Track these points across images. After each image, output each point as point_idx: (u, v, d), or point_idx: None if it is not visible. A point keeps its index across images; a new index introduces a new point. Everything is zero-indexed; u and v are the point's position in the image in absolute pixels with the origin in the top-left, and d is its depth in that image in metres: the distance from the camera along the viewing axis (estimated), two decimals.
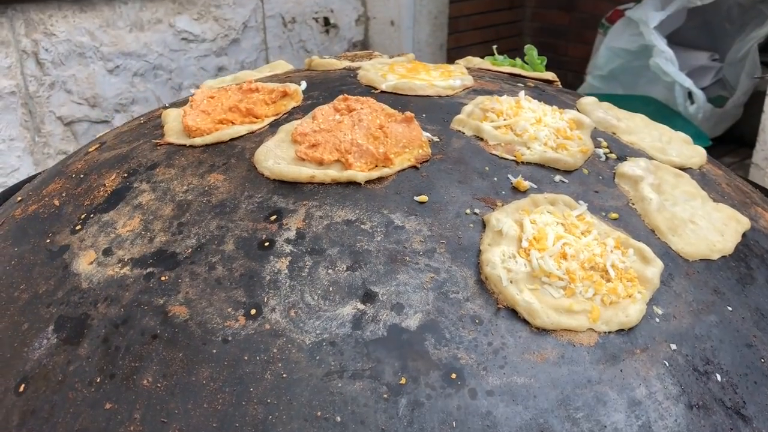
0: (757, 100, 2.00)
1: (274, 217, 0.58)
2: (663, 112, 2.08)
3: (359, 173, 0.60)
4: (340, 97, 0.69)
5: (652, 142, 0.73)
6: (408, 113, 0.65)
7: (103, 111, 1.97)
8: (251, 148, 0.66)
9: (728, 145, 2.30)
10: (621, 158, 0.69)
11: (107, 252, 0.59)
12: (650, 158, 0.70)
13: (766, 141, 1.78)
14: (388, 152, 0.61)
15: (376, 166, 0.61)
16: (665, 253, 0.59)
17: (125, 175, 0.67)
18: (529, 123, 0.67)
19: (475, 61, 0.94)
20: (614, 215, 0.60)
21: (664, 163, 0.70)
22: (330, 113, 0.67)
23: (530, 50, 0.95)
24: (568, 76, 2.83)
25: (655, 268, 0.55)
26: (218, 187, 0.62)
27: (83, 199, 0.66)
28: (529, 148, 0.65)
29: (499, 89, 0.79)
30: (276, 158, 0.62)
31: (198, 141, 0.68)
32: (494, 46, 0.97)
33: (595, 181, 0.64)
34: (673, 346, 0.52)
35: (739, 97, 2.25)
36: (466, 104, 0.71)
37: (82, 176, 0.70)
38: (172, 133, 0.71)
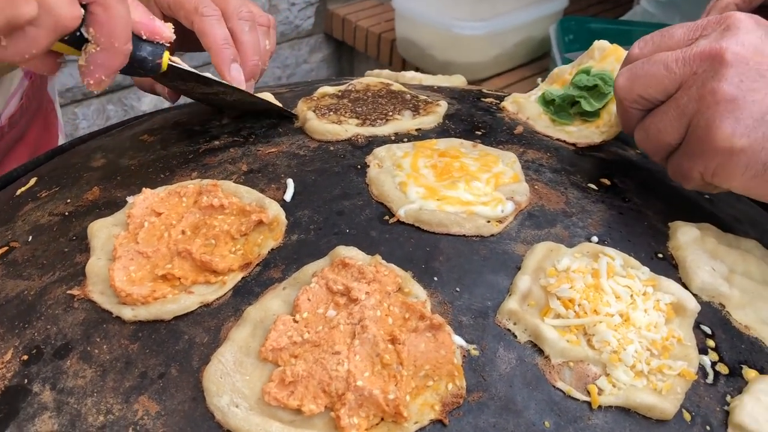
0: None
1: None
2: None
3: None
4: (338, 260, 0.47)
5: None
6: (438, 319, 0.44)
7: None
8: (201, 345, 0.45)
9: None
10: (734, 371, 0.48)
11: None
12: None
13: None
14: (402, 398, 0.41)
15: (382, 419, 0.41)
16: None
17: (25, 357, 0.47)
18: (612, 328, 0.45)
19: (529, 112, 0.69)
20: None
21: None
22: (321, 299, 0.45)
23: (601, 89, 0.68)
24: None
25: None
26: (147, 430, 0.42)
27: None
28: (609, 375, 0.44)
29: (564, 207, 0.56)
30: (234, 393, 0.42)
31: (128, 314, 0.47)
32: (539, 80, 0.71)
33: None
34: None
35: None
36: (521, 268, 0.49)
37: None
38: (97, 281, 0.49)
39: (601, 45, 0.70)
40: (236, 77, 0.65)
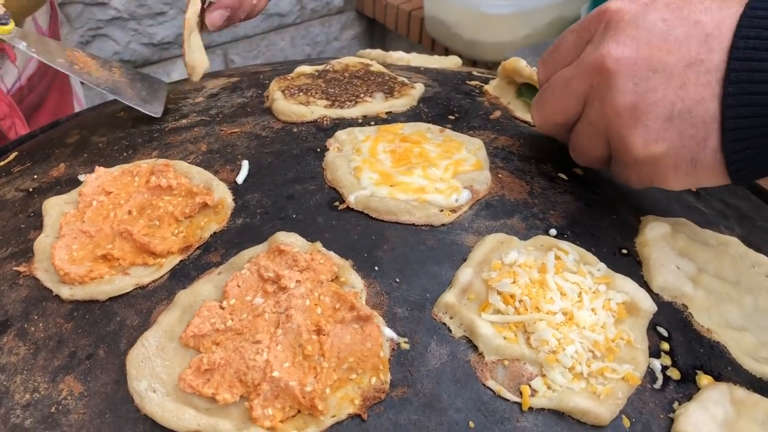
0: None
1: None
2: None
3: None
4: (274, 246, 0.46)
5: (741, 326, 0.49)
6: (365, 311, 0.42)
7: None
8: (131, 328, 0.45)
9: None
10: (686, 377, 0.45)
11: None
12: (734, 367, 0.47)
13: None
14: (320, 390, 0.40)
15: (299, 411, 0.40)
16: None
17: None
18: (553, 326, 0.43)
19: (510, 97, 0.67)
20: None
21: (757, 376, 0.46)
22: (251, 285, 0.44)
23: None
24: None
25: None
26: (69, 410, 0.42)
27: None
28: (545, 377, 0.42)
29: (525, 198, 0.53)
30: (153, 378, 0.41)
31: (65, 293, 0.47)
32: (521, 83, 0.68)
33: None
34: None
35: None
36: (467, 260, 0.47)
37: None
38: (42, 258, 0.50)
39: (500, 72, 0.68)
40: None
